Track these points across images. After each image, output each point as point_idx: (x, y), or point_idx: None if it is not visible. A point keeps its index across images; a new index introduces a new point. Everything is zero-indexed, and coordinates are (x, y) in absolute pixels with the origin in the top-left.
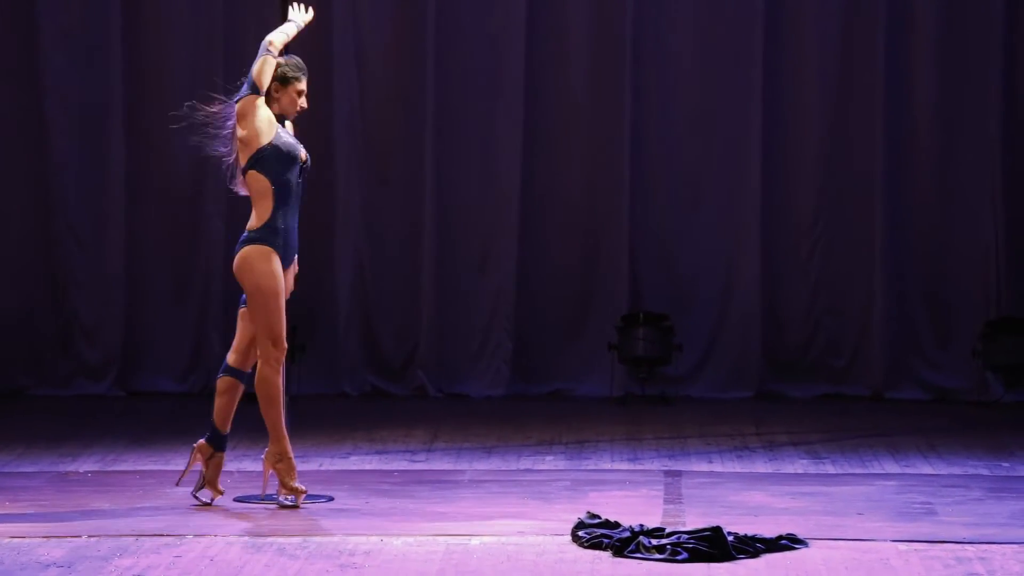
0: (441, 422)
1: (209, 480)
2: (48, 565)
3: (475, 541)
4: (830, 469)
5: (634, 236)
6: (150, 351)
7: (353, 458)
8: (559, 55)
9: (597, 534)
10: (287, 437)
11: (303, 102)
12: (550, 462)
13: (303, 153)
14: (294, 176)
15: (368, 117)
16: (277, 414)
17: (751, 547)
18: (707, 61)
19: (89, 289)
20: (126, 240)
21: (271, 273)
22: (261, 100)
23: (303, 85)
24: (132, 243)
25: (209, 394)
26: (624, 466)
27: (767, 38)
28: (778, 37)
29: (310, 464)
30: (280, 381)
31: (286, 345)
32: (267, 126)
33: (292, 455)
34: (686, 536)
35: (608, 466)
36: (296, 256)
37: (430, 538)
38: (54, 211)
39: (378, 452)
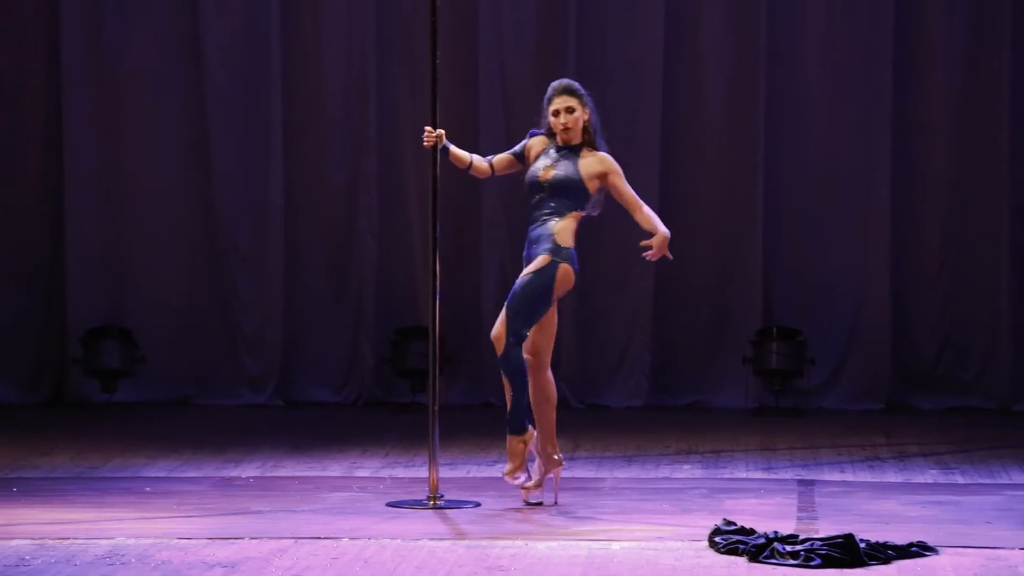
0: (582, 432)
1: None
2: (213, 565)
3: (616, 546)
4: (959, 479)
5: (767, 253)
6: (308, 363)
7: (499, 466)
8: (694, 79)
9: (733, 540)
10: (542, 443)
11: (561, 121)
12: (687, 471)
13: (542, 176)
14: (533, 195)
15: (513, 141)
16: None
17: (883, 554)
18: (838, 82)
19: (250, 303)
20: (284, 256)
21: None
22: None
23: (554, 105)
24: (290, 259)
25: (363, 404)
26: (759, 475)
27: (896, 62)
28: (907, 60)
29: (458, 471)
30: (530, 388)
31: (526, 355)
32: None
33: (542, 458)
34: (819, 543)
35: (743, 475)
36: (531, 257)
37: (573, 542)
38: (218, 229)
39: None
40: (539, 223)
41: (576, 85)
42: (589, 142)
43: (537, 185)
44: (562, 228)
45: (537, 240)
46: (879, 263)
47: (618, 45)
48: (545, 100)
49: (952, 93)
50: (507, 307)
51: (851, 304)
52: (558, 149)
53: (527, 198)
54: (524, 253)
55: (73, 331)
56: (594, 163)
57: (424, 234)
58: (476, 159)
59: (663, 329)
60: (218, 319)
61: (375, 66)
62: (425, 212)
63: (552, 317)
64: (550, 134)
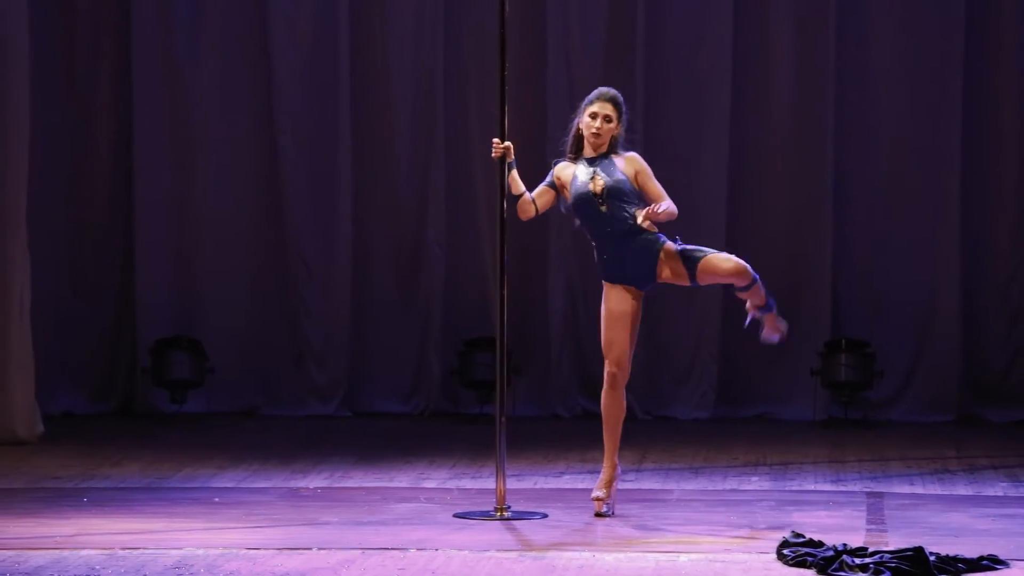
0: (649, 443)
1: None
2: None
3: (683, 558)
4: None
5: (836, 265)
6: (375, 374)
7: (566, 477)
8: (762, 90)
9: (801, 552)
10: (610, 454)
11: (595, 124)
12: (755, 483)
13: (592, 188)
14: (593, 212)
15: None
16: (605, 431)
17: (953, 567)
18: (907, 93)
19: (318, 315)
20: (352, 267)
21: (603, 299)
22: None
23: (594, 108)
24: (358, 270)
25: (430, 415)
26: (827, 487)
27: (966, 71)
28: (977, 68)
29: (525, 482)
30: (607, 400)
31: (613, 367)
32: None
33: (607, 469)
34: (889, 556)
35: (812, 487)
36: (636, 279)
37: (640, 554)
38: (287, 240)
39: (590, 472)
40: (620, 234)
41: (621, 99)
42: (614, 150)
43: (591, 198)
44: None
45: (641, 250)
46: (949, 274)
47: (686, 56)
48: (585, 101)
49: (1023, 102)
50: (696, 254)
51: (920, 316)
52: (589, 162)
53: (585, 219)
54: (616, 270)
55: (143, 342)
56: (628, 163)
57: (492, 245)
58: (527, 197)
59: (730, 341)
60: (286, 330)
61: (443, 77)
62: (493, 223)
63: (638, 326)
64: (575, 150)
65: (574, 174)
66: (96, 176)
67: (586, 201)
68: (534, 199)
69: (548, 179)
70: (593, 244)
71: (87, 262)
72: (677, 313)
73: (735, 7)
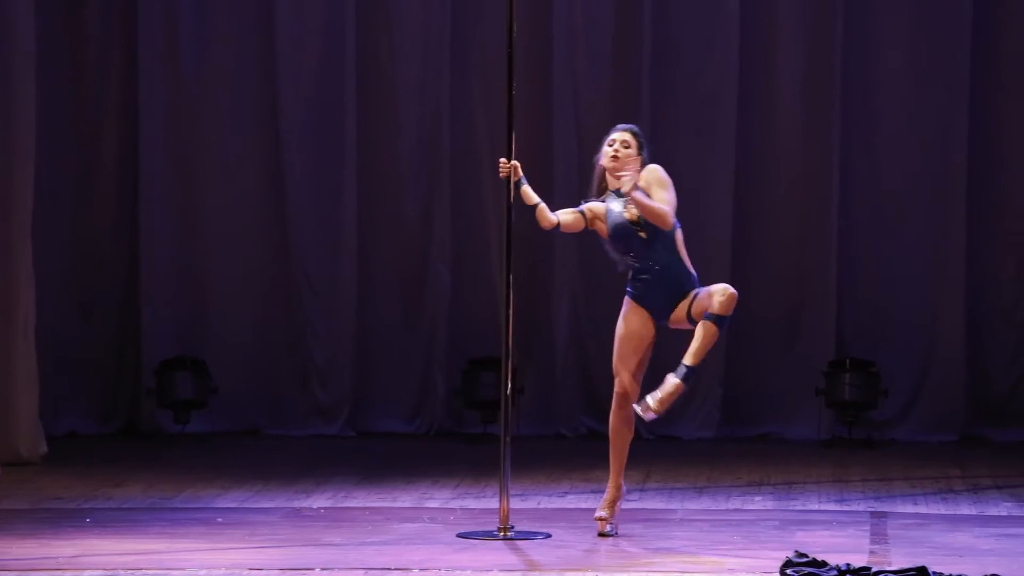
0: (653, 463)
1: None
2: None
3: None
4: None
5: (841, 284)
6: (379, 393)
7: (570, 497)
8: (768, 110)
9: (805, 572)
10: (615, 474)
11: (611, 149)
12: (759, 502)
13: (628, 216)
14: (633, 240)
15: (585, 164)
16: (612, 451)
17: None
18: (913, 113)
19: (322, 334)
20: (357, 287)
21: (621, 317)
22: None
23: (611, 137)
24: (363, 290)
25: (434, 435)
26: (831, 507)
27: (972, 90)
28: (983, 89)
29: (528, 502)
30: (616, 421)
31: (623, 387)
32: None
33: (612, 489)
34: (892, 575)
35: (815, 507)
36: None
37: (644, 574)
38: (291, 260)
39: (593, 491)
40: (656, 264)
41: (638, 129)
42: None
43: (628, 227)
44: (685, 258)
45: (676, 279)
46: (954, 293)
47: (692, 76)
48: (607, 139)
49: None
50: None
51: (925, 336)
52: (618, 193)
53: (627, 248)
54: (645, 294)
55: (147, 362)
56: (645, 178)
57: (497, 264)
58: (543, 206)
59: (735, 360)
60: (290, 350)
61: (449, 96)
62: (498, 242)
63: (650, 352)
64: (599, 192)
65: (608, 208)
66: (101, 195)
67: (625, 231)
68: (560, 219)
69: (579, 207)
70: (635, 265)
71: (92, 282)
72: (681, 332)
73: (741, 21)
